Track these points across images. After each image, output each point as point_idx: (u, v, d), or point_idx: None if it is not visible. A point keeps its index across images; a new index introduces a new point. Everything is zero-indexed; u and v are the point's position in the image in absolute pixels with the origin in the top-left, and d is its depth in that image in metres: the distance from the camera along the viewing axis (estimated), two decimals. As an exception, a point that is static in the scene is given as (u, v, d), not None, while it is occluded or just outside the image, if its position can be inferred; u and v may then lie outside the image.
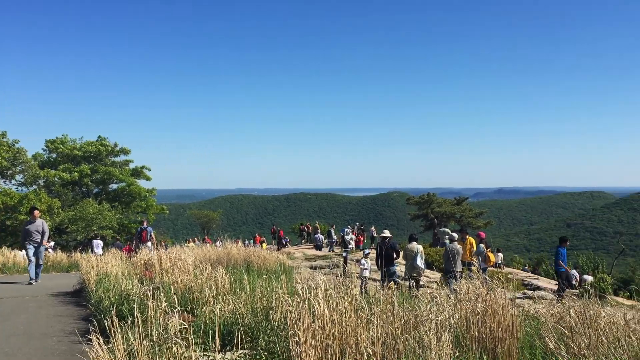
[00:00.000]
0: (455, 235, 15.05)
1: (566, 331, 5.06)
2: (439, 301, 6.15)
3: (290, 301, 4.55)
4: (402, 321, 5.17)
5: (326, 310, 4.24)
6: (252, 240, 36.21)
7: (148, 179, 48.13)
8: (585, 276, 23.99)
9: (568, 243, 16.77)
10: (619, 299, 21.08)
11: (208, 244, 25.27)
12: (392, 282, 13.87)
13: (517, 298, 14.69)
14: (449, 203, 43.94)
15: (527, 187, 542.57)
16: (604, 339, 5.16)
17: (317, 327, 4.12)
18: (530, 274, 28.66)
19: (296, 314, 4.24)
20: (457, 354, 5.52)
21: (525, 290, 19.41)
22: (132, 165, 48.05)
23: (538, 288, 20.52)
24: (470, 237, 16.35)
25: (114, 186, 46.22)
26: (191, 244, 27.47)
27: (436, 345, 5.14)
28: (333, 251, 30.94)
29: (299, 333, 4.02)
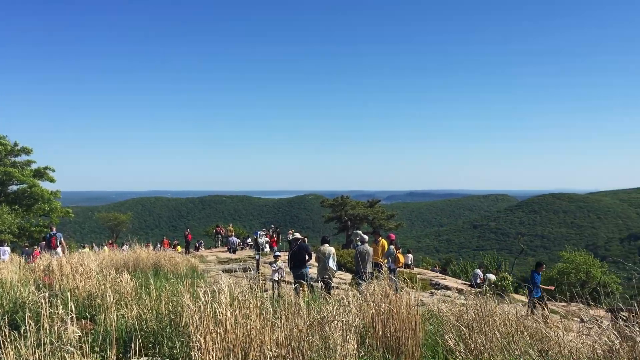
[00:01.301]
0: (365, 237, 15.31)
1: (464, 329, 5.27)
2: (346, 302, 6.23)
3: (191, 305, 4.46)
4: (308, 323, 5.20)
5: (229, 314, 4.19)
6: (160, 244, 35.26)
7: (52, 180, 45.64)
8: (488, 275, 25.12)
9: (544, 267, 16.33)
10: (519, 297, 22.25)
11: (106, 248, 24.28)
12: (304, 284, 13.92)
13: (425, 297, 15.22)
14: (362, 205, 44.89)
15: (437, 190, 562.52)
16: (498, 334, 5.44)
17: (219, 331, 4.06)
18: (438, 274, 29.69)
19: (197, 318, 4.16)
20: (362, 353, 5.62)
21: (433, 290, 20.08)
22: (34, 166, 45.42)
23: (445, 287, 21.29)
24: (383, 239, 16.71)
25: (14, 188, 43.47)
26: (87, 249, 25.99)
27: (342, 345, 5.21)
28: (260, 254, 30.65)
29: (200, 338, 3.95)
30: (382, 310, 5.91)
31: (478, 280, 24.60)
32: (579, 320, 7.77)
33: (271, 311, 5.01)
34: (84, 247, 30.16)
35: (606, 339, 4.66)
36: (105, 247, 28.31)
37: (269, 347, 4.35)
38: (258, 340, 4.31)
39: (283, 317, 5.09)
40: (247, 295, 4.83)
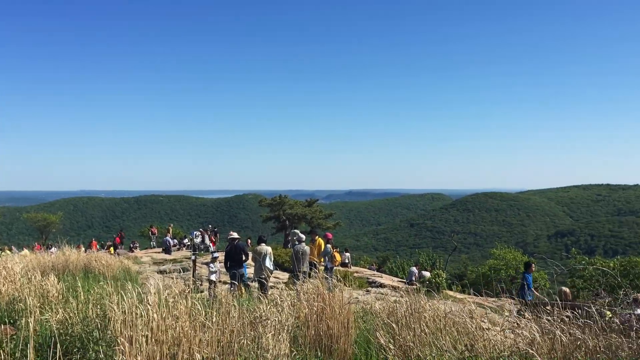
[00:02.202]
0: (302, 236, 15.39)
1: (394, 325, 5.37)
2: (279, 302, 6.23)
3: (115, 308, 4.35)
4: (240, 323, 5.17)
5: (155, 316, 4.11)
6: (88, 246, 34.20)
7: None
8: (423, 272, 25.68)
9: (534, 268, 15.76)
10: (451, 293, 22.86)
11: (26, 251, 23.29)
12: (241, 285, 13.86)
13: (360, 295, 15.42)
14: (300, 205, 45.03)
15: (375, 189, 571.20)
16: (427, 330, 5.57)
17: (145, 334, 3.98)
18: (375, 272, 30.09)
19: (121, 321, 4.06)
20: (295, 352, 5.63)
21: (369, 288, 20.36)
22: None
23: (381, 285, 21.61)
24: (320, 238, 16.83)
25: None
26: (7, 251, 24.65)
27: (274, 345, 5.21)
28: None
29: (123, 341, 3.85)
30: (315, 309, 5.94)
31: (413, 278, 25.11)
32: (507, 314, 8.04)
33: (202, 312, 4.95)
34: (3, 250, 28.69)
35: (527, 333, 4.86)
36: (25, 249, 27.04)
37: (197, 348, 4.29)
38: (187, 342, 4.25)
39: (214, 317, 5.04)
40: (176, 297, 4.75)
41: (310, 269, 14.82)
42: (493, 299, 16.50)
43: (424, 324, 5.37)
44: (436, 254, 46.90)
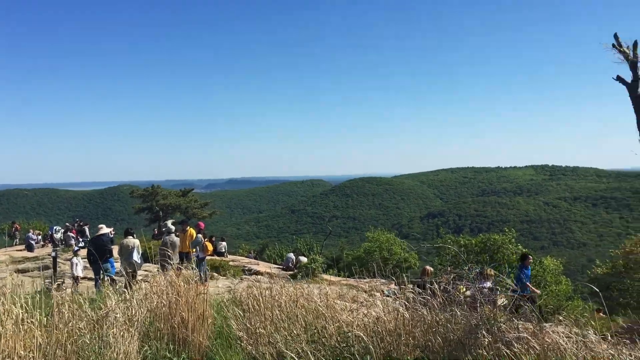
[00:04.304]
0: (172, 227, 14.93)
1: (239, 312, 5.31)
2: (127, 296, 5.95)
3: None
4: (82, 322, 4.86)
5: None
6: None
7: None
8: (300, 258, 26.02)
9: (530, 260, 14.56)
10: (327, 277, 23.36)
11: None
12: (105, 279, 13.18)
13: (234, 284, 15.22)
14: (174, 195, 43.71)
15: (257, 177, 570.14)
16: (283, 315, 5.57)
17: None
18: (252, 260, 30.02)
19: None
20: (146, 347, 5.40)
21: (244, 276, 20.23)
22: None
23: (257, 273, 21.56)
24: (191, 228, 16.40)
25: None
26: None
27: (121, 342, 4.95)
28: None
29: None
30: (167, 301, 5.73)
31: (290, 264, 25.36)
32: (379, 295, 8.26)
33: (37, 314, 4.58)
34: None
35: (374, 312, 4.99)
36: None
37: (22, 353, 3.95)
38: (7, 347, 3.89)
39: (56, 317, 4.69)
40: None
41: (182, 260, 14.47)
42: (366, 280, 17.07)
43: (277, 310, 5.35)
44: (316, 239, 47.64)
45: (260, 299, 5.48)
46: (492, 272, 8.32)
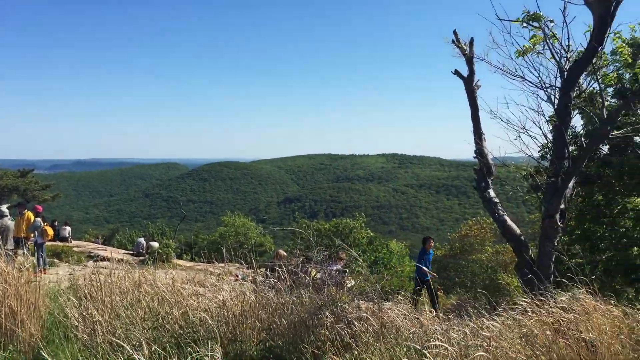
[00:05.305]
0: (5, 210, 13.67)
1: (74, 299, 5.01)
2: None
3: None
4: None
5: None
6: None
7: None
8: (152, 243, 25.19)
9: (432, 243, 13.51)
10: (180, 262, 22.88)
11: None
12: None
13: (78, 270, 14.32)
14: (11, 175, 39.95)
15: (107, 158, 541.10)
16: (126, 302, 5.32)
17: None
18: (99, 245, 28.46)
19: None
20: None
21: (89, 262, 19.15)
22: None
23: (104, 259, 20.50)
24: (29, 212, 15.12)
25: None
26: None
27: None
28: None
29: None
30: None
31: (141, 249, 24.44)
32: (232, 279, 8.18)
33: None
34: None
35: (220, 296, 4.94)
36: None
37: None
38: None
39: None
40: None
41: (18, 246, 13.34)
42: (221, 264, 16.91)
43: (117, 297, 5.10)
44: (171, 224, 46.39)
45: (100, 286, 5.16)
46: (345, 255, 8.61)
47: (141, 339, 3.84)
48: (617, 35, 8.40)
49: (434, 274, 13.54)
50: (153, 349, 4.05)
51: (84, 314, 4.79)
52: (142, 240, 25.91)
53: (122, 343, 3.60)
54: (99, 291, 5.18)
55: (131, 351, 3.68)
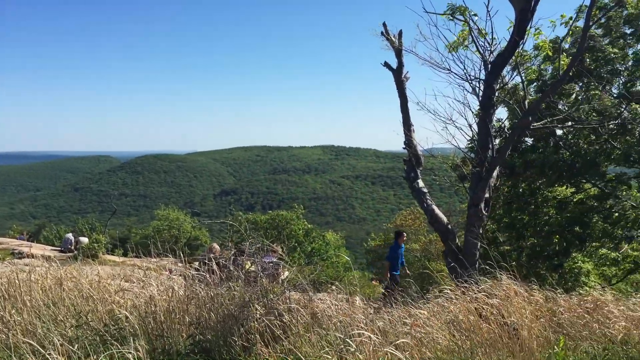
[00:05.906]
0: None
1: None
2: None
3: None
4: None
5: None
6: None
7: None
8: (81, 238, 24.40)
9: (405, 237, 13.03)
10: (111, 257, 22.26)
11: None
12: None
13: (-1, 269, 13.71)
14: None
15: (33, 151, 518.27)
16: (48, 300, 5.12)
17: None
18: (24, 242, 27.33)
19: None
20: None
21: (14, 260, 18.36)
22: None
23: (29, 256, 19.68)
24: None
25: None
26: None
27: None
28: None
29: None
30: None
31: (69, 245, 23.65)
32: (167, 273, 8.01)
33: None
34: None
35: (147, 291, 4.84)
36: None
37: None
38: None
39: None
40: None
41: None
42: (155, 259, 16.55)
43: (38, 294, 4.91)
44: (102, 219, 45.10)
45: (18, 283, 4.95)
46: (279, 247, 8.63)
47: (61, 338, 3.71)
48: (537, 30, 8.79)
49: (407, 271, 12.94)
50: (76, 347, 3.93)
51: (2, 313, 4.58)
52: (70, 235, 25.07)
53: (42, 342, 3.47)
54: (17, 289, 4.96)
55: (51, 351, 3.56)
